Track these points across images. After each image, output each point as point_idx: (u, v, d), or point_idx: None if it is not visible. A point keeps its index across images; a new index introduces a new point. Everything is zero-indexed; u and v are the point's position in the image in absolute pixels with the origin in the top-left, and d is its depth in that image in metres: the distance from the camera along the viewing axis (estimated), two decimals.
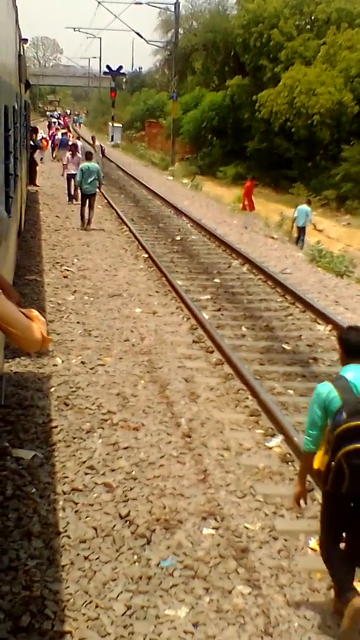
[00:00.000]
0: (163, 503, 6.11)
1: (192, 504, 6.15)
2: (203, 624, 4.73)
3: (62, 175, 25.09)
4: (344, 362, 4.74)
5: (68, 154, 24.53)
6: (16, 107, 10.45)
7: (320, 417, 4.59)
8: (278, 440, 7.37)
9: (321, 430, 4.62)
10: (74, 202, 22.97)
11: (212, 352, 10.18)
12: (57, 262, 15.22)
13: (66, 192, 24.17)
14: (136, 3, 47.67)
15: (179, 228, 21.13)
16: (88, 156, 21.00)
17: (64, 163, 24.71)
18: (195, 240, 19.30)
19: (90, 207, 19.71)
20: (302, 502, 5.02)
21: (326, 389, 4.58)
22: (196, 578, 5.18)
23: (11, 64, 9.02)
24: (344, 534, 4.82)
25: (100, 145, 36.37)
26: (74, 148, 24.86)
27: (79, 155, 23.32)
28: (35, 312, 3.60)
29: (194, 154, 46.72)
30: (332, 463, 4.45)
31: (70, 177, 22.94)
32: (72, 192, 23.47)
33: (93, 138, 37.93)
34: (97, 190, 20.26)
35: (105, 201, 25.04)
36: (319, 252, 19.11)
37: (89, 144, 37.33)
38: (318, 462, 4.67)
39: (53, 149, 39.52)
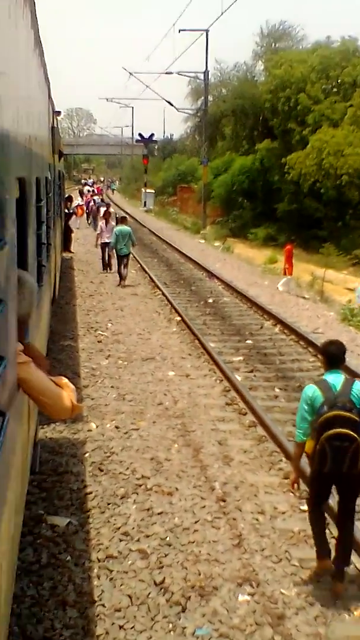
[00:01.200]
0: (198, 569, 6.06)
1: (227, 569, 6.09)
2: None
3: (96, 245, 25.30)
4: (326, 369, 5.97)
5: (102, 222, 25.00)
6: (49, 177, 10.75)
7: (307, 412, 5.77)
8: None
9: (309, 424, 5.79)
10: (109, 270, 23.48)
11: (245, 414, 10.17)
12: (92, 327, 15.40)
13: (100, 259, 24.44)
14: (166, 73, 49.04)
15: (211, 290, 21.29)
16: (122, 220, 22.82)
17: (98, 232, 25.07)
18: (227, 302, 19.42)
19: (125, 266, 21.60)
20: (296, 486, 6.24)
21: (311, 389, 5.79)
22: None
23: (44, 137, 9.33)
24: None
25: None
26: (107, 216, 25.24)
27: (113, 223, 23.80)
28: (65, 380, 3.67)
29: (225, 217, 47.20)
30: (317, 447, 5.64)
31: (105, 245, 23.36)
32: (107, 261, 23.86)
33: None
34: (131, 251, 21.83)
35: (139, 265, 25.36)
36: (351, 311, 19.04)
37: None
38: (308, 447, 5.85)
39: (88, 216, 40.25)
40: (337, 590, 5.79)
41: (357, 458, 5.56)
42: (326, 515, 6.21)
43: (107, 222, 24.12)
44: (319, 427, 5.61)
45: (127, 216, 26.01)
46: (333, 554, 5.97)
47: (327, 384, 5.74)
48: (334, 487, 5.99)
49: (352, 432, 5.52)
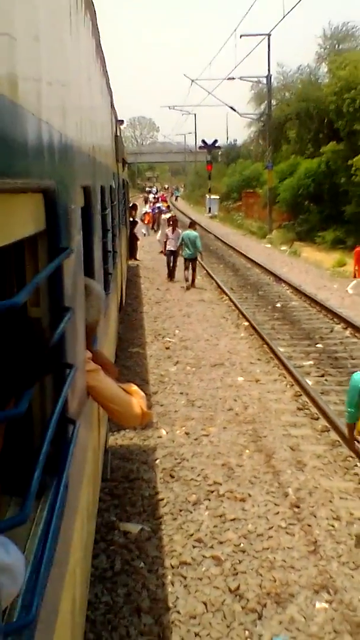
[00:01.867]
0: (273, 576, 5.98)
1: (304, 576, 5.99)
2: None
3: (163, 252, 25.40)
4: None
5: (168, 230, 24.91)
6: (113, 186, 10.82)
7: (355, 397, 6.40)
8: None
9: (357, 408, 6.45)
10: (172, 280, 23.46)
11: (317, 418, 10.02)
12: (159, 334, 15.44)
13: (166, 266, 24.34)
14: (228, 79, 49.02)
15: (279, 295, 21.11)
16: (190, 225, 23.29)
17: (164, 240, 25.04)
18: (296, 306, 19.21)
19: (193, 269, 22.13)
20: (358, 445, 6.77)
21: (359, 376, 6.41)
22: None
23: (108, 146, 9.39)
24: None
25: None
26: (174, 223, 25.04)
27: (179, 230, 23.71)
28: (134, 387, 3.66)
29: (291, 221, 46.79)
30: None
31: (171, 253, 23.41)
32: (173, 269, 23.73)
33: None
34: (199, 255, 22.20)
35: (205, 271, 25.33)
36: None
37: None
38: (358, 431, 6.56)
39: (153, 223, 40.50)
40: None
41: None
42: None
43: (173, 230, 24.01)
44: None
45: (194, 221, 26.12)
46: None
47: None
48: None
49: None
